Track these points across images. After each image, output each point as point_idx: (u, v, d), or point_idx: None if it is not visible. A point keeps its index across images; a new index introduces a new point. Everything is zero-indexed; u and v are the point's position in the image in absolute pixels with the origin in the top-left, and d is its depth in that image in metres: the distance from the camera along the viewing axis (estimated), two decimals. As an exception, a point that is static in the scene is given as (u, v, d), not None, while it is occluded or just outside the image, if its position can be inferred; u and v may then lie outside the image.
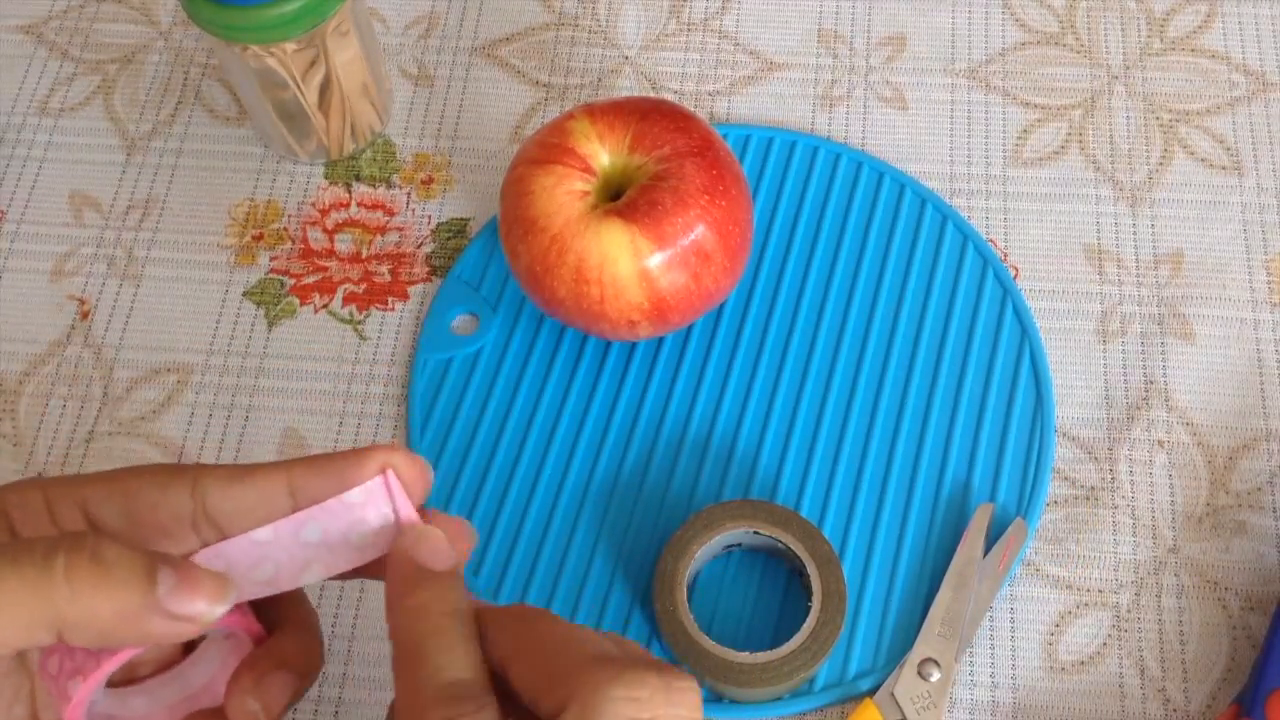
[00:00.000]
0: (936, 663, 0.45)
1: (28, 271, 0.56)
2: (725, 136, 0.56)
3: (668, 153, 0.47)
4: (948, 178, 0.56)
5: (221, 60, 0.54)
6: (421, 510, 0.34)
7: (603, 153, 0.47)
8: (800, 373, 0.52)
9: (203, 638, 0.35)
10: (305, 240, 0.56)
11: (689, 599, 0.46)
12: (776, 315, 0.53)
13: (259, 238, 0.56)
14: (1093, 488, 0.50)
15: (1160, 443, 0.50)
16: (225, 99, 0.60)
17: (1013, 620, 0.48)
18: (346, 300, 0.54)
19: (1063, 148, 0.57)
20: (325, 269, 0.55)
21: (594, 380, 0.52)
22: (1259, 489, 0.49)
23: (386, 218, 0.56)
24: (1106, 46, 0.59)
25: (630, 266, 0.46)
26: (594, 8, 0.61)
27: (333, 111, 0.55)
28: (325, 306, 0.54)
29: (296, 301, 0.55)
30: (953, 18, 0.60)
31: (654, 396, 0.51)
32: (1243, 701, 0.44)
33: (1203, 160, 0.56)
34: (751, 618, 0.47)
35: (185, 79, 0.60)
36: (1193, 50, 0.59)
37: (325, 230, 0.56)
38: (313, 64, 0.53)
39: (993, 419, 0.50)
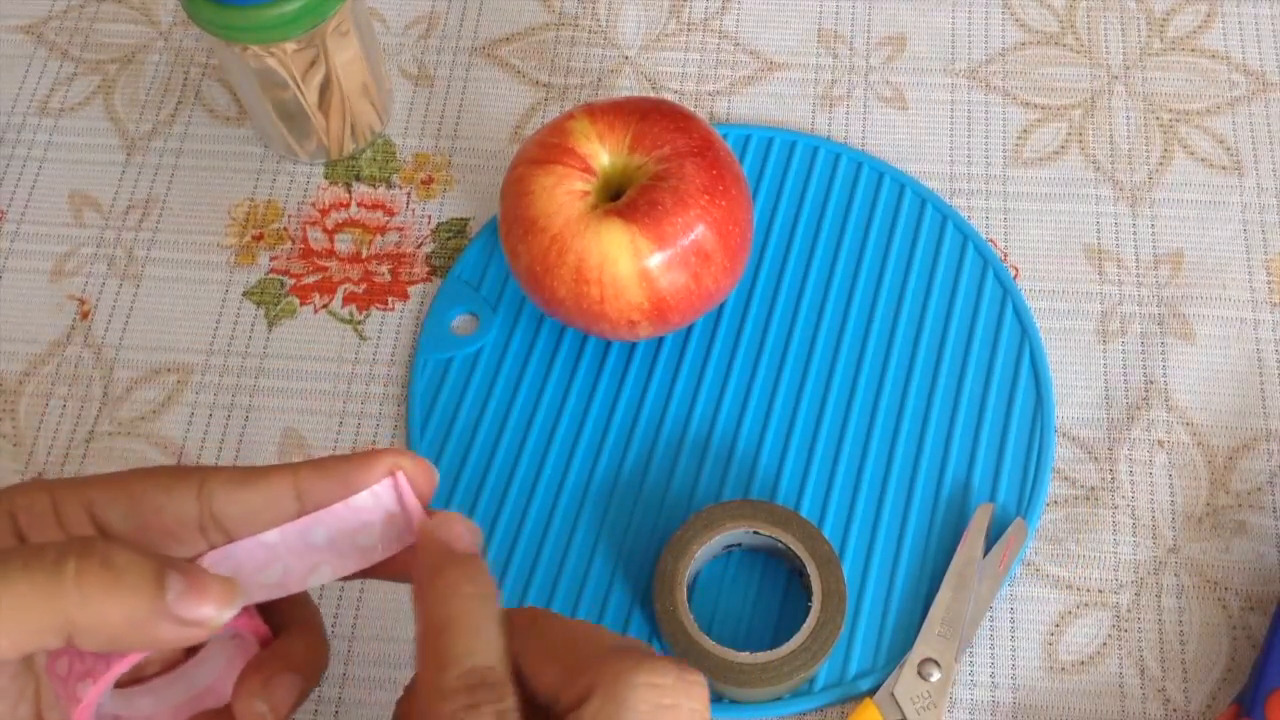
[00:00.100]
0: (936, 663, 0.45)
1: (28, 271, 0.56)
2: (725, 136, 0.56)
3: (668, 153, 0.47)
4: (948, 178, 0.56)
5: (221, 60, 0.54)
6: (428, 511, 0.34)
7: (603, 153, 0.47)
8: (800, 373, 0.52)
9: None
10: (305, 240, 0.56)
11: (689, 599, 0.46)
12: (776, 315, 0.53)
13: (259, 238, 0.56)
14: (1093, 488, 0.50)
15: (1160, 443, 0.50)
16: (225, 99, 0.60)
17: (1013, 620, 0.48)
18: (346, 300, 0.54)
19: (1063, 148, 0.57)
20: (325, 269, 0.55)
21: (594, 380, 0.52)
22: (1259, 489, 0.49)
23: (386, 218, 0.56)
24: (1106, 46, 0.59)
25: (630, 266, 0.46)
26: (594, 8, 0.61)
27: (333, 111, 0.55)
28: (325, 306, 0.54)
29: (296, 301, 0.55)
30: (953, 18, 0.60)
31: (654, 396, 0.51)
32: (1243, 701, 0.44)
33: (1203, 160, 0.56)
34: (751, 618, 0.47)
35: (185, 79, 0.60)
36: (1193, 50, 0.59)
37: (325, 230, 0.56)
38: (313, 64, 0.53)
39: (993, 419, 0.50)
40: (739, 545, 0.48)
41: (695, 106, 0.58)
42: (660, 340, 0.53)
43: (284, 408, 0.52)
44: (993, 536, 0.48)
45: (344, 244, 0.56)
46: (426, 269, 0.55)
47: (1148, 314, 0.53)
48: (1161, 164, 0.56)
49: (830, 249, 0.54)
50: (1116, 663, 0.47)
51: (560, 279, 0.47)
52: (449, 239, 0.56)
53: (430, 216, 0.56)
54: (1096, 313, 0.53)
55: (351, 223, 0.56)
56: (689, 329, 0.53)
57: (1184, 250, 0.54)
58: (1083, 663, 0.47)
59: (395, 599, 0.49)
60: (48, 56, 0.61)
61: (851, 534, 0.49)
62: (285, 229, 0.56)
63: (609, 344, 0.53)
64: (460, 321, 0.54)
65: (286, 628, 0.35)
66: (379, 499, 0.33)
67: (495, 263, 0.54)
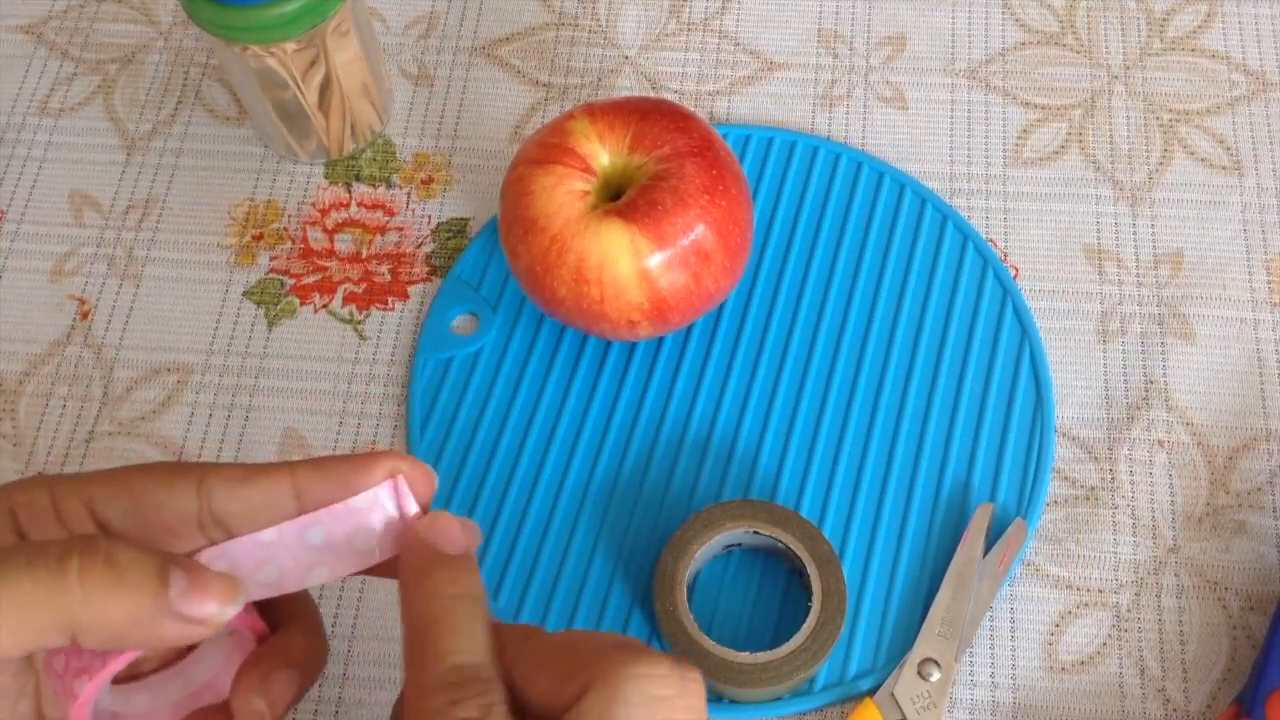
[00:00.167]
0: (936, 663, 0.45)
1: (28, 271, 0.56)
2: (725, 136, 0.56)
3: (668, 153, 0.47)
4: (948, 178, 0.56)
5: (221, 60, 0.54)
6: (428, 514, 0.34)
7: (603, 153, 0.47)
8: (800, 373, 0.52)
9: None
10: (305, 240, 0.56)
11: (689, 599, 0.46)
12: (776, 315, 0.53)
13: (259, 238, 0.56)
14: (1093, 488, 0.50)
15: (1160, 443, 0.50)
16: (225, 99, 0.60)
17: (1013, 620, 0.48)
18: (346, 300, 0.54)
19: (1063, 148, 0.57)
20: (325, 269, 0.55)
21: (594, 380, 0.52)
22: (1259, 489, 0.49)
23: (386, 218, 0.56)
24: (1106, 46, 0.59)
25: (630, 266, 0.46)
26: (594, 8, 0.61)
27: (333, 111, 0.55)
28: (325, 306, 0.54)
29: (296, 301, 0.55)
30: (953, 18, 0.60)
31: (654, 396, 0.51)
32: (1243, 701, 0.44)
33: (1203, 160, 0.56)
34: (751, 618, 0.47)
35: (185, 79, 0.60)
36: (1193, 50, 0.59)
37: (325, 230, 0.56)
38: (313, 64, 0.53)
39: (993, 419, 0.50)
40: (739, 545, 0.48)
41: (695, 106, 0.58)
42: (660, 340, 0.53)
43: (284, 408, 0.52)
44: (993, 536, 0.48)
45: (344, 244, 0.56)
46: (426, 269, 0.55)
47: (1148, 314, 0.53)
48: (1161, 164, 0.56)
49: (830, 249, 0.54)
50: (1116, 663, 0.47)
51: (560, 279, 0.47)
52: (449, 239, 0.56)
53: (430, 216, 0.56)
54: (1096, 313, 0.53)
55: (351, 223, 0.56)
56: (689, 329, 0.53)
57: (1184, 250, 0.54)
58: (1083, 663, 0.47)
59: (395, 599, 0.49)
60: (48, 56, 0.61)
61: (851, 534, 0.49)
62: (285, 229, 0.56)
63: (609, 344, 0.53)
64: (460, 321, 0.54)
65: (284, 624, 0.35)
66: (377, 501, 0.33)
67: (495, 263, 0.54)
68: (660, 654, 0.31)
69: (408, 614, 0.32)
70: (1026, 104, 0.58)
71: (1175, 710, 0.46)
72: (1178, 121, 0.57)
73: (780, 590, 0.48)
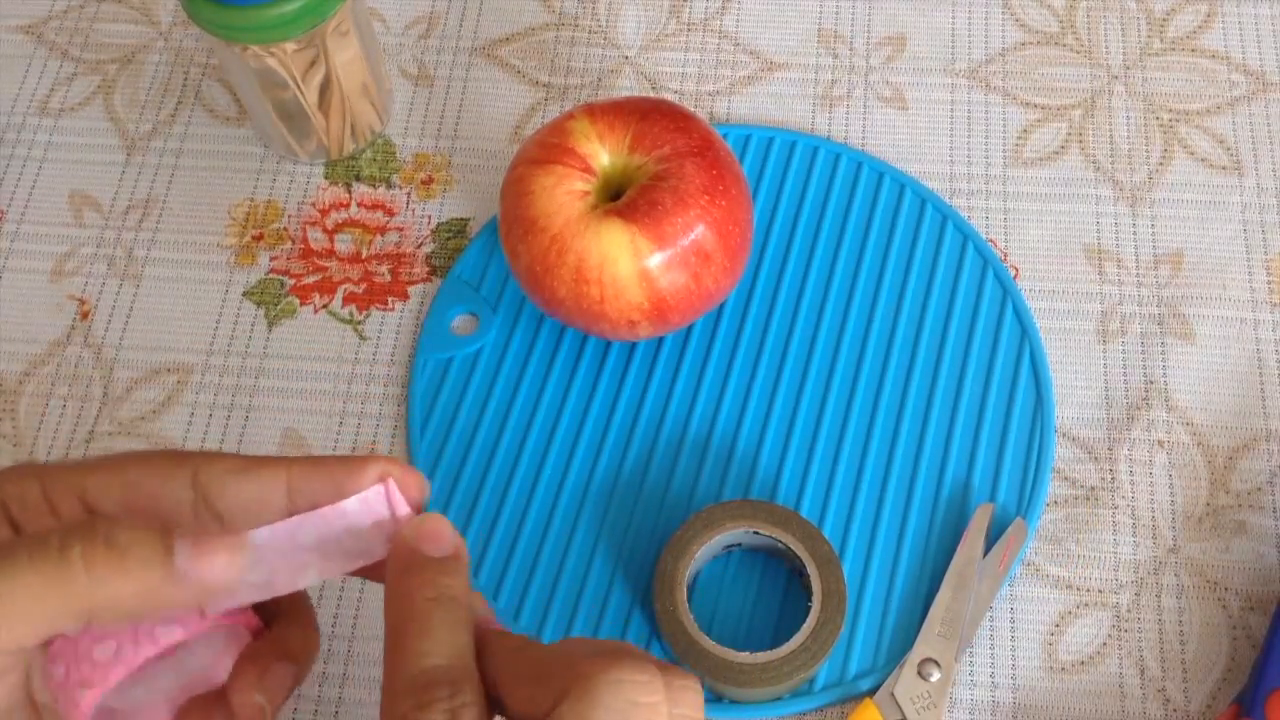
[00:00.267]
0: (936, 663, 0.45)
1: (28, 271, 0.56)
2: (725, 136, 0.56)
3: (668, 153, 0.47)
4: (948, 178, 0.56)
5: (221, 60, 0.54)
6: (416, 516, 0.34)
7: (603, 153, 0.47)
8: (800, 373, 0.52)
9: None
10: (305, 240, 0.56)
11: (689, 599, 0.46)
12: (776, 315, 0.53)
13: (259, 238, 0.56)
14: (1093, 488, 0.50)
15: (1160, 443, 0.50)
16: (225, 99, 0.60)
17: (1013, 620, 0.48)
18: (346, 300, 0.54)
19: (1063, 148, 0.57)
20: (325, 269, 0.55)
21: (594, 380, 0.52)
22: (1259, 489, 0.49)
23: (386, 218, 0.56)
24: (1106, 46, 0.59)
25: (630, 266, 0.46)
26: (594, 8, 0.61)
27: (333, 111, 0.55)
28: (325, 306, 0.54)
29: (296, 301, 0.55)
30: (953, 18, 0.60)
31: (654, 396, 0.51)
32: (1243, 701, 0.44)
33: (1203, 160, 0.56)
34: (751, 618, 0.47)
35: (185, 79, 0.60)
36: (1193, 50, 0.59)
37: (325, 230, 0.56)
38: (313, 64, 0.53)
39: (993, 419, 0.50)
40: (739, 545, 0.48)
41: (695, 106, 0.58)
42: (660, 340, 0.53)
43: (284, 408, 0.52)
44: (993, 536, 0.48)
45: (344, 244, 0.56)
46: (426, 269, 0.55)
47: (1148, 314, 0.53)
48: (1161, 164, 0.56)
49: (830, 249, 0.54)
50: (1116, 663, 0.47)
51: (560, 279, 0.47)
52: (449, 239, 0.56)
53: (430, 216, 0.56)
54: (1096, 313, 0.53)
55: (351, 223, 0.56)
56: (689, 329, 0.53)
57: (1184, 250, 0.54)
58: (1083, 663, 0.47)
59: (395, 599, 0.49)
60: (48, 56, 0.61)
61: (851, 534, 0.49)
62: (285, 229, 0.56)
63: (609, 344, 0.53)
64: (460, 321, 0.54)
65: (278, 617, 0.35)
66: (368, 504, 0.33)
67: (495, 263, 0.54)
68: (648, 661, 0.30)
69: (387, 615, 0.32)
70: (1026, 104, 0.58)
71: (1175, 710, 0.46)
72: (1178, 121, 0.57)
73: (780, 590, 0.48)
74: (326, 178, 0.57)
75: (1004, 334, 0.52)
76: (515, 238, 0.48)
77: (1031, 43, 0.59)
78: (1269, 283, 0.53)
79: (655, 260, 0.46)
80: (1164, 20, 0.59)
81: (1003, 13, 0.60)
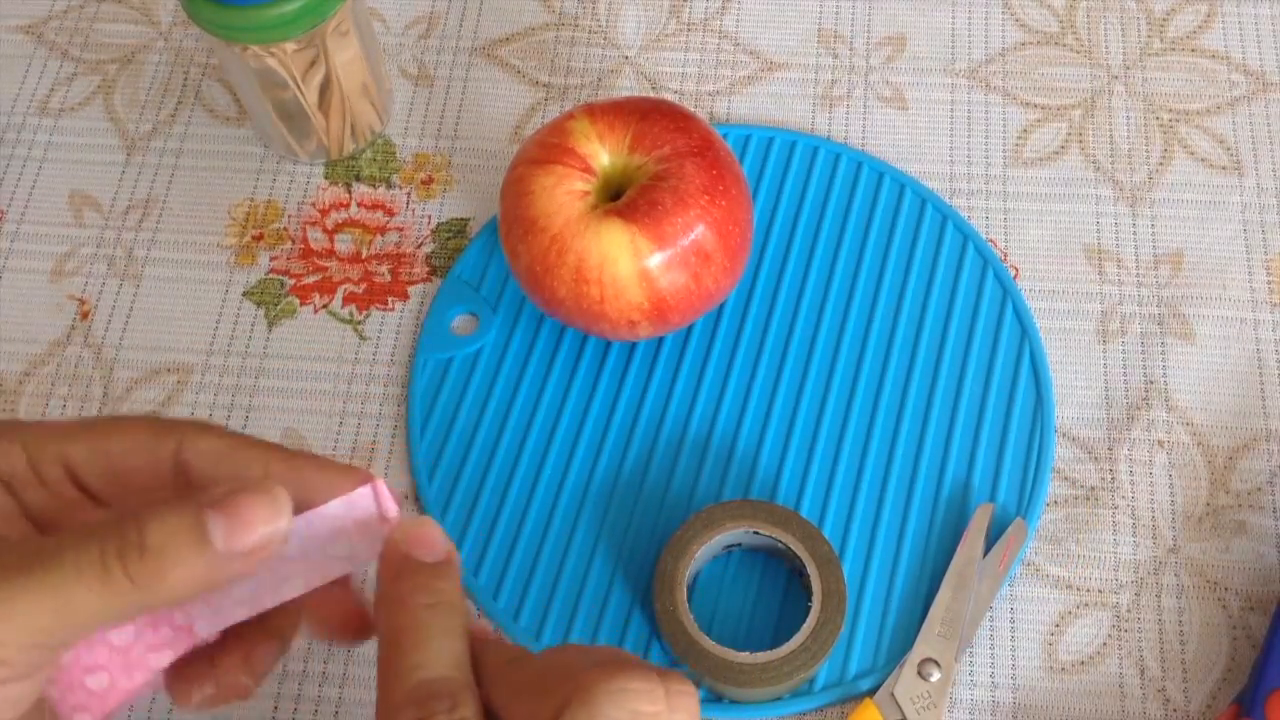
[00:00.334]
0: (936, 663, 0.45)
1: (28, 271, 0.56)
2: (725, 136, 0.56)
3: (668, 153, 0.47)
4: (948, 178, 0.56)
5: (221, 60, 0.54)
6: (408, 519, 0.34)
7: (603, 153, 0.47)
8: (800, 373, 0.52)
9: None
10: (305, 240, 0.56)
11: (689, 599, 0.46)
12: (776, 315, 0.53)
13: (259, 238, 0.56)
14: (1093, 488, 0.50)
15: (1160, 443, 0.50)
16: (225, 99, 0.60)
17: (1013, 620, 0.48)
18: (346, 300, 0.54)
19: (1063, 148, 0.57)
20: (325, 269, 0.55)
21: (594, 380, 0.52)
22: (1259, 489, 0.49)
23: (386, 218, 0.56)
24: (1106, 46, 0.59)
25: (630, 266, 0.46)
26: (594, 8, 0.61)
27: (333, 111, 0.55)
28: (325, 306, 0.54)
29: (296, 301, 0.55)
30: (953, 18, 0.60)
31: (654, 396, 0.51)
32: (1243, 701, 0.44)
33: (1203, 160, 0.56)
34: (751, 618, 0.47)
35: (185, 79, 0.60)
36: (1193, 50, 0.59)
37: (325, 230, 0.56)
38: (313, 64, 0.53)
39: (993, 419, 0.50)
40: (739, 545, 0.48)
41: (695, 106, 0.58)
42: (660, 340, 0.53)
43: (284, 408, 0.52)
44: (993, 536, 0.48)
45: (344, 244, 0.56)
46: (426, 269, 0.55)
47: (1148, 314, 0.53)
48: (1161, 164, 0.56)
49: (830, 249, 0.54)
50: (1116, 663, 0.47)
51: (560, 279, 0.47)
52: (449, 239, 0.56)
53: (430, 216, 0.56)
54: (1096, 313, 0.53)
55: (351, 223, 0.56)
56: (689, 329, 0.53)
57: (1184, 250, 0.54)
58: (1083, 663, 0.47)
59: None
60: (48, 56, 0.61)
61: (851, 534, 0.49)
62: (285, 229, 0.56)
63: (609, 344, 0.53)
64: (460, 321, 0.54)
65: None
66: (353, 507, 0.33)
67: (495, 263, 0.54)
68: (645, 668, 0.30)
69: (380, 623, 0.32)
70: (1026, 104, 0.58)
71: (1175, 710, 0.46)
72: (1178, 121, 0.57)
73: (780, 590, 0.48)
74: (326, 178, 0.57)
75: (1004, 334, 0.52)
76: (515, 238, 0.48)
77: (1031, 43, 0.59)
78: (1269, 283, 0.53)
79: (655, 260, 0.46)
80: (1164, 20, 0.59)
81: (1003, 13, 0.60)
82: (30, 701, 0.31)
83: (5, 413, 0.52)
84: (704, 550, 0.46)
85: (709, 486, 0.50)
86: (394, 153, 0.58)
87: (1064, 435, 0.51)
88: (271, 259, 0.55)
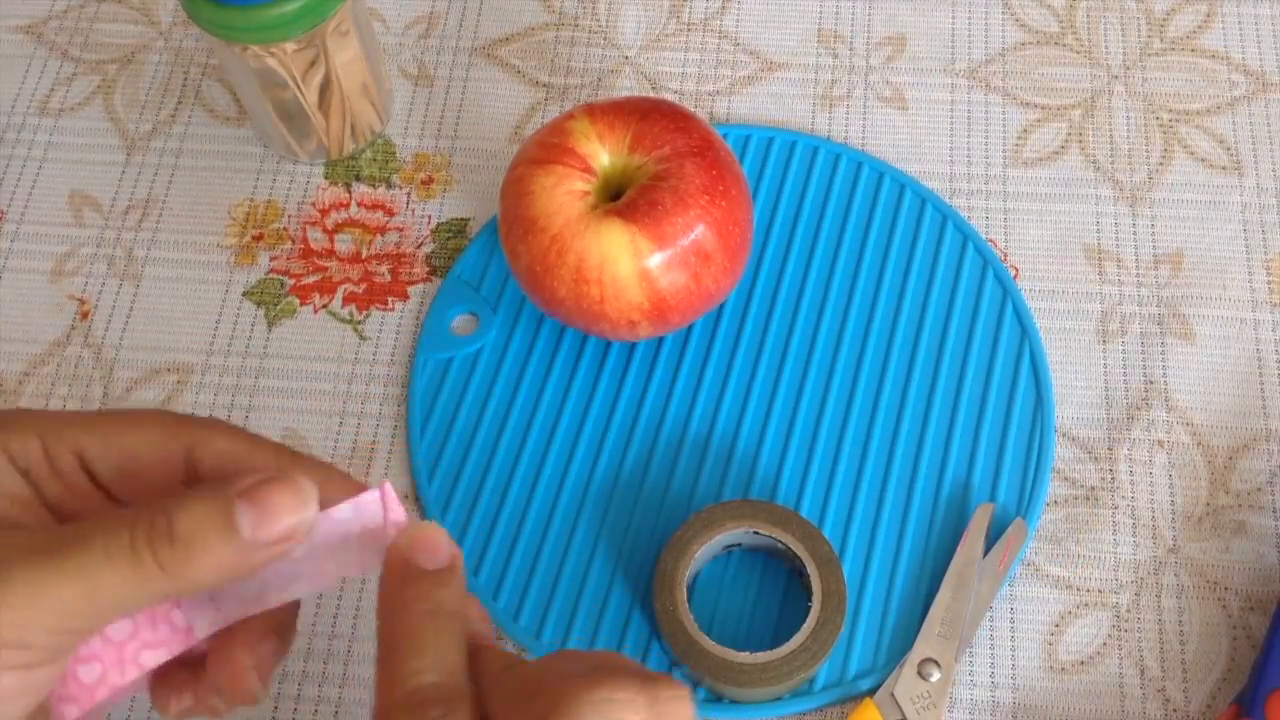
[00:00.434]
0: (936, 663, 0.45)
1: (28, 271, 0.56)
2: (725, 136, 0.56)
3: (668, 153, 0.47)
4: (948, 178, 0.56)
5: (221, 60, 0.54)
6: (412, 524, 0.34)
7: (603, 153, 0.47)
8: (800, 373, 0.52)
9: None
10: (305, 240, 0.56)
11: (689, 599, 0.46)
12: (776, 315, 0.53)
13: (259, 238, 0.56)
14: (1093, 488, 0.50)
15: (1160, 443, 0.50)
16: (225, 99, 0.60)
17: (1013, 620, 0.48)
18: (346, 300, 0.54)
19: (1063, 148, 0.57)
20: (325, 269, 0.55)
21: (594, 380, 0.52)
22: (1259, 489, 0.49)
23: (386, 218, 0.56)
24: (1106, 46, 0.59)
25: (630, 266, 0.46)
26: (594, 8, 0.61)
27: (333, 111, 0.55)
28: (325, 306, 0.54)
29: (296, 301, 0.55)
30: (953, 18, 0.60)
31: (654, 396, 0.51)
32: (1243, 701, 0.44)
33: (1203, 160, 0.56)
34: (751, 618, 0.47)
35: (185, 79, 0.60)
36: (1193, 50, 0.59)
37: (325, 230, 0.56)
38: (313, 64, 0.53)
39: (993, 419, 0.50)
40: (739, 545, 0.48)
41: (695, 106, 0.58)
42: (660, 340, 0.53)
43: (284, 408, 0.52)
44: (993, 536, 0.48)
45: (344, 244, 0.56)
46: (426, 269, 0.55)
47: (1148, 314, 0.53)
48: (1161, 164, 0.56)
49: (830, 249, 0.54)
50: (1116, 663, 0.47)
51: (560, 279, 0.47)
52: (449, 239, 0.56)
53: (430, 216, 0.56)
54: (1096, 313, 0.53)
55: (351, 223, 0.56)
56: (689, 329, 0.53)
57: (1184, 250, 0.54)
58: (1083, 663, 0.47)
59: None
60: (48, 56, 0.61)
61: (851, 534, 0.49)
62: (285, 229, 0.56)
63: (609, 344, 0.53)
64: (460, 321, 0.54)
65: None
66: (361, 511, 0.33)
67: (495, 263, 0.54)
68: (634, 677, 0.30)
69: (379, 628, 0.32)
70: (1026, 104, 0.58)
71: (1175, 710, 0.46)
72: (1178, 121, 0.57)
73: (780, 590, 0.48)
74: (326, 178, 0.57)
75: (1004, 334, 0.52)
76: (515, 238, 0.48)
77: (1031, 43, 0.59)
78: (1269, 283, 0.53)
79: (655, 260, 0.46)
80: (1164, 20, 0.59)
81: (1003, 13, 0.60)
82: (49, 688, 0.31)
83: (5, 413, 0.52)
84: (704, 550, 0.46)
85: (709, 486, 0.50)
86: (394, 153, 0.58)
87: (1064, 435, 0.51)
88: (271, 259, 0.55)
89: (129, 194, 0.57)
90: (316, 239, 0.56)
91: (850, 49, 0.59)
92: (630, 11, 0.61)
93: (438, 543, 0.32)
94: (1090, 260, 0.54)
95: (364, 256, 0.55)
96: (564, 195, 0.46)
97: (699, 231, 0.46)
